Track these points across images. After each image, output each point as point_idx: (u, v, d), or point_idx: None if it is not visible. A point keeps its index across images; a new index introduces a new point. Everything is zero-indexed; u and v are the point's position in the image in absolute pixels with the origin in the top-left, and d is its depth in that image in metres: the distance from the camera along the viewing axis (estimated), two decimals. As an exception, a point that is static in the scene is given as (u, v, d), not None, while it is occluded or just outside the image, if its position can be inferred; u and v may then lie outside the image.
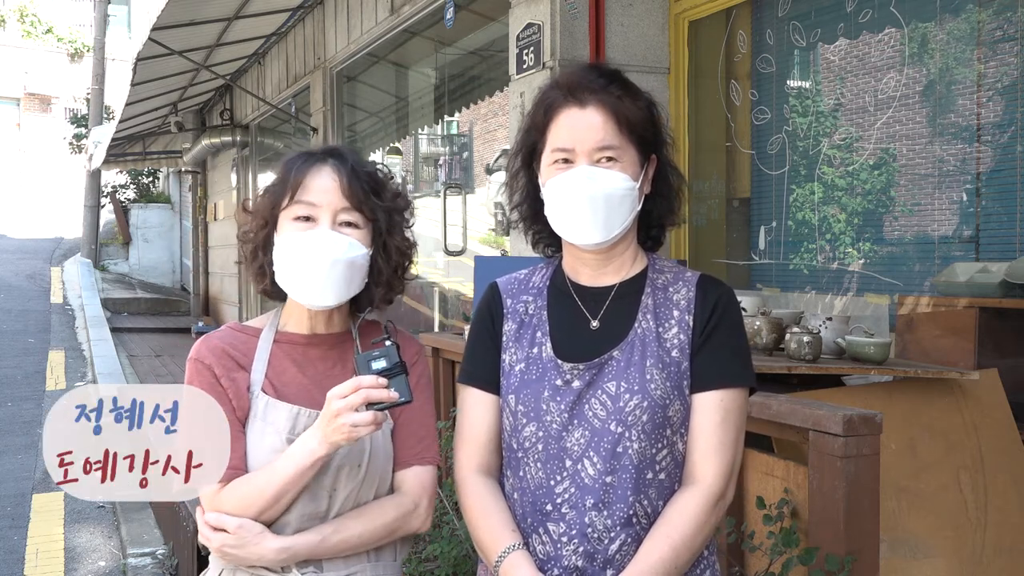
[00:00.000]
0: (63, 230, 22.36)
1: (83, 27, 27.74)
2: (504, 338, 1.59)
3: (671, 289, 1.55)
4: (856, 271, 3.90)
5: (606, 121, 1.48)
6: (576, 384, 1.49)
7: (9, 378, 9.44)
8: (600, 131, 1.47)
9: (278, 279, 1.62)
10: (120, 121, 11.48)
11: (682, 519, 1.45)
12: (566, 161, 1.50)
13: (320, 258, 1.55)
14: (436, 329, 7.28)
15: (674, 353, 1.49)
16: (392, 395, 1.41)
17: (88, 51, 23.99)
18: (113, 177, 20.10)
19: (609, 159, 1.48)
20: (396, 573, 1.68)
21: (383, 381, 1.41)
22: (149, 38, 7.53)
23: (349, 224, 1.58)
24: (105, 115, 17.37)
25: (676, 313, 1.52)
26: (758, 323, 2.94)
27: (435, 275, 7.59)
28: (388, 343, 1.45)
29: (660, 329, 1.51)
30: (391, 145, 8.63)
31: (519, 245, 4.54)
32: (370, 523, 1.60)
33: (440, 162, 8.32)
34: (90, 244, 17.95)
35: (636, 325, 1.52)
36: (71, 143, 21.70)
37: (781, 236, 4.21)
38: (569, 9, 4.17)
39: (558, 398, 1.49)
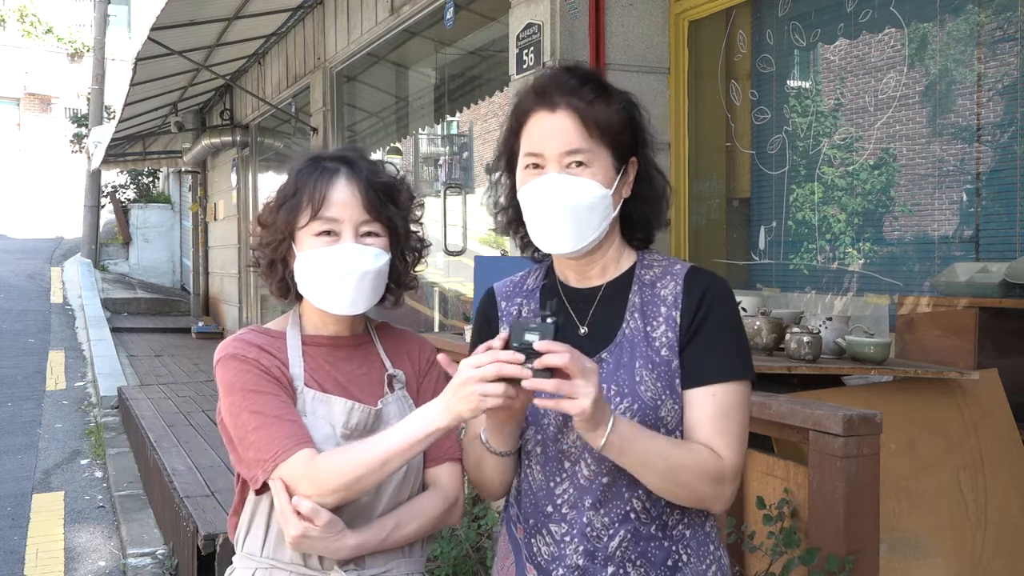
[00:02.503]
0: (63, 230, 22.38)
1: (83, 27, 27.76)
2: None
3: (658, 285, 1.52)
4: (856, 271, 3.90)
5: (576, 125, 1.44)
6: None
7: (9, 378, 9.44)
8: (569, 135, 1.44)
9: (304, 291, 1.63)
10: (120, 121, 11.48)
11: (695, 449, 1.41)
12: (537, 166, 1.47)
13: (349, 272, 1.57)
14: (436, 329, 7.29)
15: (663, 352, 1.47)
16: (526, 373, 1.29)
17: (88, 51, 24.01)
18: (113, 177, 20.11)
19: (579, 163, 1.45)
20: (421, 567, 1.71)
21: (520, 357, 1.30)
22: (149, 38, 7.53)
23: (370, 234, 1.61)
24: (105, 115, 17.37)
25: (663, 310, 1.49)
26: (758, 323, 2.94)
27: (435, 275, 7.59)
28: (549, 321, 1.33)
29: (648, 328, 1.48)
30: (391, 145, 8.62)
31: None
32: (425, 517, 1.64)
33: (440, 162, 8.32)
34: (90, 244, 17.96)
35: (624, 326, 1.50)
36: (72, 141, 21.71)
37: (781, 236, 4.21)
38: (569, 9, 4.17)
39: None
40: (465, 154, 8.03)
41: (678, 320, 1.48)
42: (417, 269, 1.74)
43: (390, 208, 1.63)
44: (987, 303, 3.17)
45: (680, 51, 4.45)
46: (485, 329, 1.62)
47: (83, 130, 20.01)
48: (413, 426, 1.46)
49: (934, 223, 3.63)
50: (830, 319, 2.97)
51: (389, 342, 1.75)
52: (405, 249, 1.68)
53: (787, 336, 2.86)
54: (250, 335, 1.67)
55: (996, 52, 3.40)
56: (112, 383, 8.60)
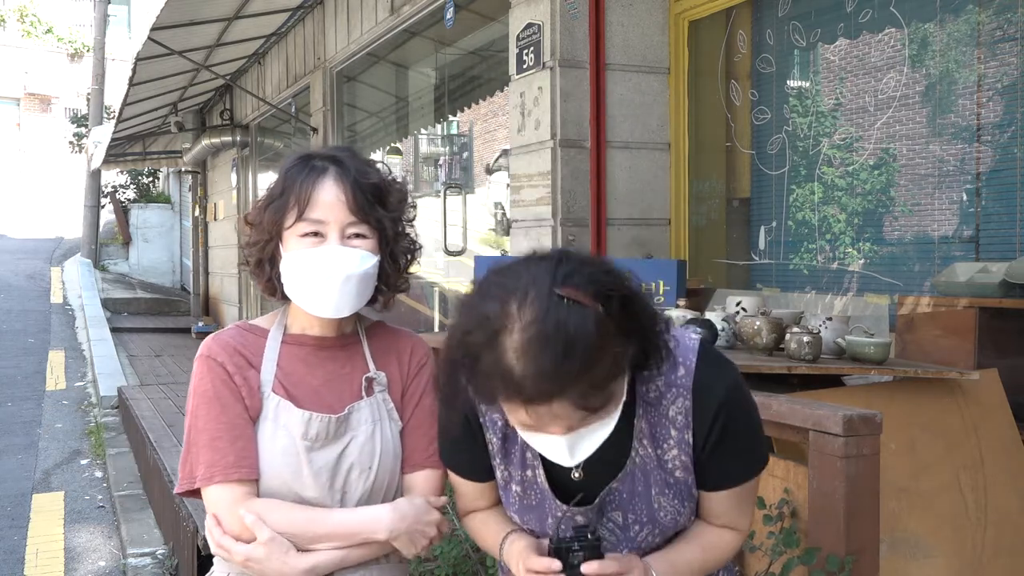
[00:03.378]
0: (63, 230, 22.38)
1: (83, 27, 27.75)
2: (490, 446, 1.48)
3: (664, 402, 1.37)
4: (856, 271, 3.90)
5: (571, 410, 1.21)
6: (580, 519, 1.43)
7: (9, 378, 9.44)
8: (570, 419, 1.23)
9: (289, 293, 1.61)
10: (120, 121, 11.48)
11: (719, 540, 1.47)
12: (537, 428, 1.25)
13: (333, 274, 1.54)
14: (436, 329, 7.29)
15: (677, 474, 1.40)
16: None
17: (88, 51, 24.00)
18: (113, 177, 20.11)
19: (590, 420, 1.27)
20: (404, 573, 1.69)
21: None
22: (149, 38, 7.53)
23: (357, 236, 1.58)
24: (105, 115, 17.37)
25: (674, 432, 1.37)
26: (758, 323, 2.94)
27: (435, 275, 7.59)
28: (591, 535, 1.34)
29: (658, 452, 1.39)
30: (391, 145, 8.62)
31: (519, 245, 4.53)
32: None
33: (440, 162, 8.31)
34: (90, 244, 17.96)
35: (633, 454, 1.39)
36: (71, 142, 21.72)
37: (781, 236, 4.21)
38: (569, 9, 4.17)
39: (563, 525, 1.41)
40: (465, 154, 8.03)
41: (691, 441, 1.38)
42: (410, 271, 1.71)
43: (378, 210, 1.59)
44: (987, 303, 3.17)
45: (680, 51, 4.45)
46: (468, 428, 1.47)
47: (83, 130, 20.02)
48: (356, 522, 1.54)
49: (934, 223, 3.63)
50: (830, 319, 2.97)
51: (379, 342, 1.72)
52: (395, 251, 1.65)
53: (787, 336, 2.86)
54: (230, 334, 1.66)
55: (996, 52, 3.39)
56: (112, 383, 8.60)
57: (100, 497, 5.83)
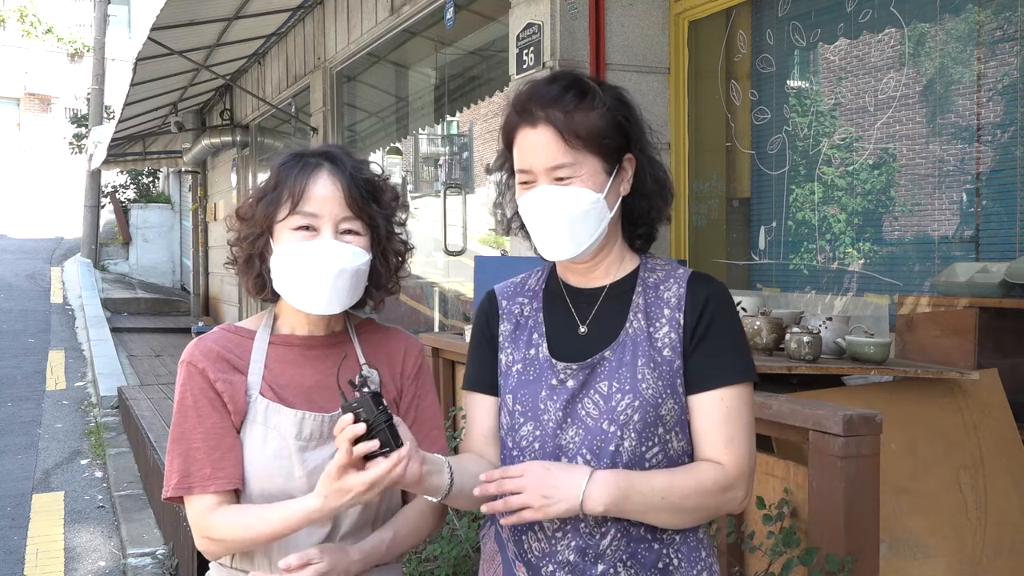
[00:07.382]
0: (63, 230, 22.38)
1: (83, 27, 27.76)
2: (500, 339, 1.60)
3: (662, 287, 1.54)
4: (856, 271, 3.90)
5: (556, 139, 1.45)
6: (570, 384, 1.49)
7: (9, 378, 9.44)
8: (552, 150, 1.46)
9: (278, 288, 1.59)
10: (120, 121, 11.48)
11: (692, 468, 1.46)
12: (528, 181, 1.50)
13: (326, 268, 1.52)
14: (436, 329, 7.29)
15: (665, 352, 1.49)
16: (370, 446, 1.32)
17: (88, 51, 24.00)
18: (113, 177, 20.12)
19: (564, 176, 1.46)
20: (398, 573, 1.68)
21: (359, 429, 1.32)
22: (149, 38, 7.53)
23: (350, 232, 1.56)
24: (105, 115, 17.38)
25: (667, 311, 1.51)
26: (758, 323, 2.94)
27: (435, 275, 7.59)
28: (366, 390, 1.34)
29: (651, 328, 1.50)
30: (391, 145, 8.63)
31: (519, 245, 4.53)
32: (414, 525, 1.63)
33: (440, 162, 8.31)
34: (90, 244, 17.96)
35: (627, 325, 1.51)
36: (71, 143, 21.72)
37: (781, 236, 4.21)
38: (569, 9, 4.17)
39: (554, 397, 1.49)
40: (465, 154, 8.03)
41: (681, 322, 1.50)
42: (401, 273, 1.69)
43: (372, 206, 1.58)
44: (987, 303, 3.17)
45: (680, 51, 4.45)
46: (485, 328, 1.63)
47: (83, 131, 20.02)
48: (294, 509, 1.49)
49: (934, 223, 3.63)
50: (830, 319, 2.97)
51: (370, 340, 1.70)
52: (387, 251, 1.63)
53: (787, 336, 2.86)
54: (214, 338, 1.64)
55: (996, 52, 3.40)
56: (112, 383, 8.60)
57: (100, 497, 5.83)
